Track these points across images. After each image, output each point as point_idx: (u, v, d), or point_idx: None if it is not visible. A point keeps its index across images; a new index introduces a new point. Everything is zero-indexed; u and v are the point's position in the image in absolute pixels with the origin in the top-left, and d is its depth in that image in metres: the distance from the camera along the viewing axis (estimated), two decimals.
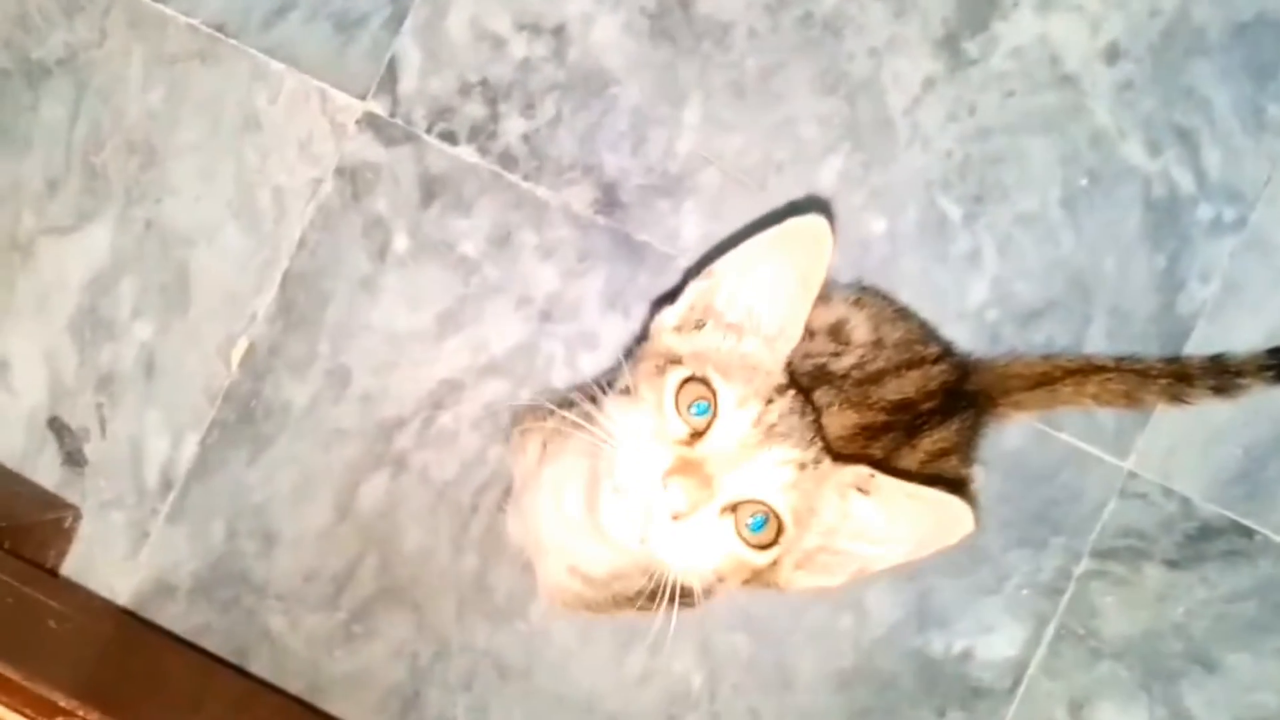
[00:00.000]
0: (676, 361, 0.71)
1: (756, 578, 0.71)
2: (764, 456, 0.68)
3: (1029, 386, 0.91)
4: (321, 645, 1.01)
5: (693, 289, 0.74)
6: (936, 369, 0.87)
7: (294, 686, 1.01)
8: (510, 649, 1.01)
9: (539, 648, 1.01)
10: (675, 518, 0.65)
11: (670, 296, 0.75)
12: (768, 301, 0.72)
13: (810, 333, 0.87)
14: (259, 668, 1.01)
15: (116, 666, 0.93)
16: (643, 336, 0.78)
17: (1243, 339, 0.97)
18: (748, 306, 0.72)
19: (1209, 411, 0.94)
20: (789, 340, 0.72)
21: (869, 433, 0.81)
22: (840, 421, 0.80)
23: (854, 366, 0.84)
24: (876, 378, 0.84)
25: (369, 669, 1.01)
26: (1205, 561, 0.98)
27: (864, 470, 0.70)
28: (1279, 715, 0.97)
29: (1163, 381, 0.92)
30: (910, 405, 0.83)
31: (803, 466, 0.69)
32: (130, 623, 1.01)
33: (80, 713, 0.77)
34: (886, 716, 0.99)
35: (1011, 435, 0.96)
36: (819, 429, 0.72)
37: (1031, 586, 0.98)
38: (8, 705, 0.73)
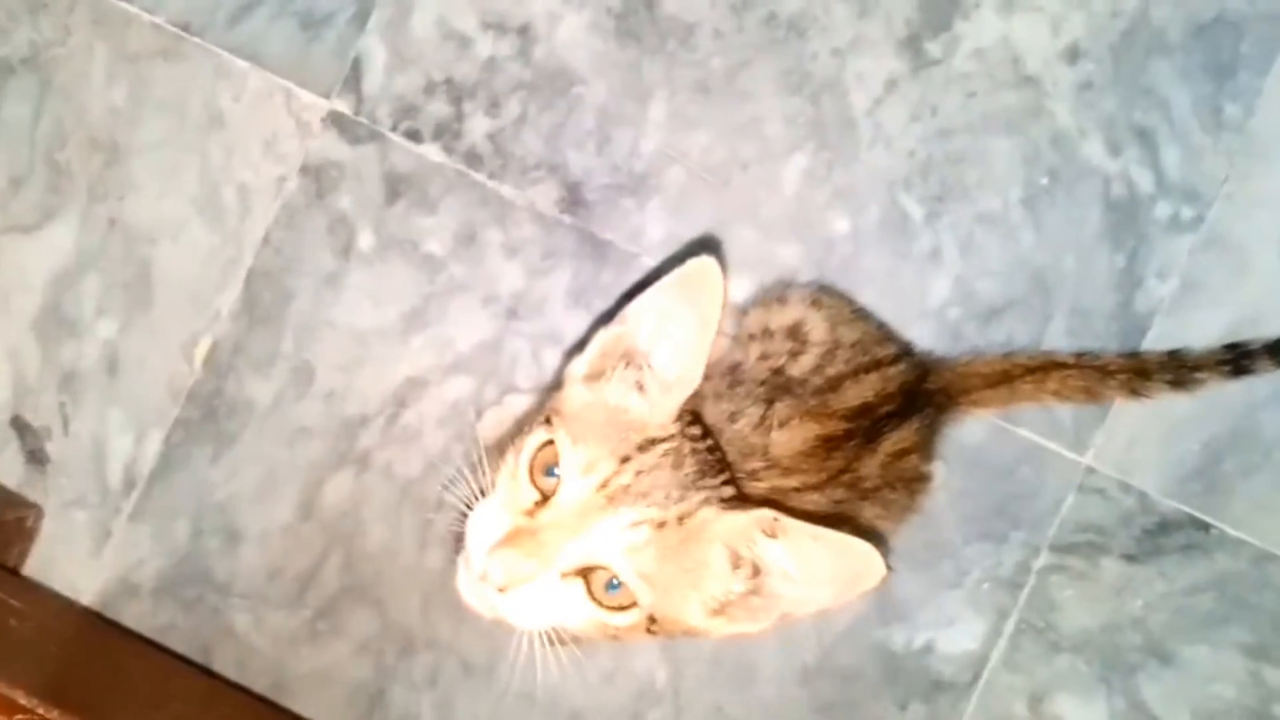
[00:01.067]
0: (546, 421, 0.70)
1: (667, 630, 0.70)
2: (610, 520, 0.66)
3: (989, 384, 0.91)
4: (286, 643, 1.01)
5: (602, 336, 0.74)
6: (894, 370, 0.87)
7: (258, 685, 1.01)
8: (475, 646, 1.01)
9: (504, 644, 1.00)
10: (500, 590, 0.66)
11: (581, 346, 0.74)
12: (671, 348, 0.71)
13: (769, 333, 0.87)
14: (223, 666, 1.01)
15: (78, 666, 0.92)
16: (556, 385, 0.77)
17: (1200, 335, 0.98)
18: (659, 351, 0.71)
19: (1167, 407, 0.95)
20: (688, 385, 0.71)
21: (830, 444, 0.81)
22: (801, 435, 0.80)
23: (813, 370, 0.84)
24: (835, 384, 0.84)
25: (334, 667, 1.01)
26: (1163, 555, 0.99)
27: (767, 513, 0.68)
28: (1236, 707, 0.98)
29: (1121, 377, 0.93)
30: (870, 409, 0.83)
31: (661, 525, 0.67)
32: (93, 622, 1.00)
33: (40, 711, 0.76)
34: (849, 710, 1.00)
35: (971, 431, 0.96)
36: (706, 471, 0.71)
37: (992, 580, 0.99)
38: None
